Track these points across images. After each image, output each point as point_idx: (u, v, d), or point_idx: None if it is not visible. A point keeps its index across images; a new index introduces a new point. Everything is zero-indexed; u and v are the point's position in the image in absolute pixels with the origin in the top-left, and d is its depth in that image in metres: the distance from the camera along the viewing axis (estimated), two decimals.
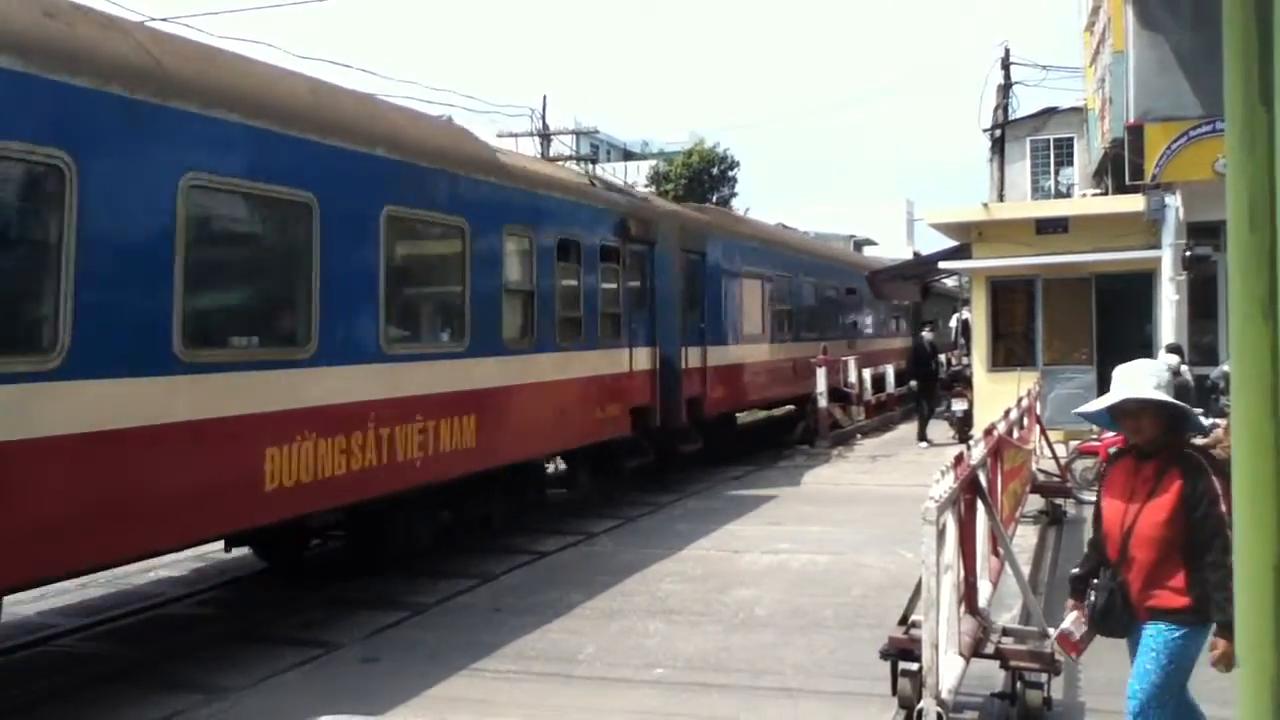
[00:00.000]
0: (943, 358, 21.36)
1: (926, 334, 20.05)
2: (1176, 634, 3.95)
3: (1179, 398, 10.86)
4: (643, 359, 13.02)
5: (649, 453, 13.39)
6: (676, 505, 13.01)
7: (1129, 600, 4.06)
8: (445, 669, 6.74)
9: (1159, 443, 4.02)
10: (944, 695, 4.58)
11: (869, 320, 26.68)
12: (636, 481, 13.86)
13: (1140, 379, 4.01)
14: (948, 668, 4.81)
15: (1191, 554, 3.92)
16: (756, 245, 18.58)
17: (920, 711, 4.54)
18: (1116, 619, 4.11)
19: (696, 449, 14.64)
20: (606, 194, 12.92)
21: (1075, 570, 4.58)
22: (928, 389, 19.03)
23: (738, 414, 19.39)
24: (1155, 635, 3.98)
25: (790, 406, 20.61)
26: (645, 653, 7.08)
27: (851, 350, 22.35)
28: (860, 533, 10.75)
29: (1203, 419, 10.49)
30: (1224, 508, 3.84)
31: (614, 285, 12.60)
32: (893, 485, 13.98)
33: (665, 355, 13.61)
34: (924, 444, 18.20)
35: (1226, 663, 3.82)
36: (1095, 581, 4.30)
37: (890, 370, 24.15)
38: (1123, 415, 4.06)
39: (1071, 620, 4.45)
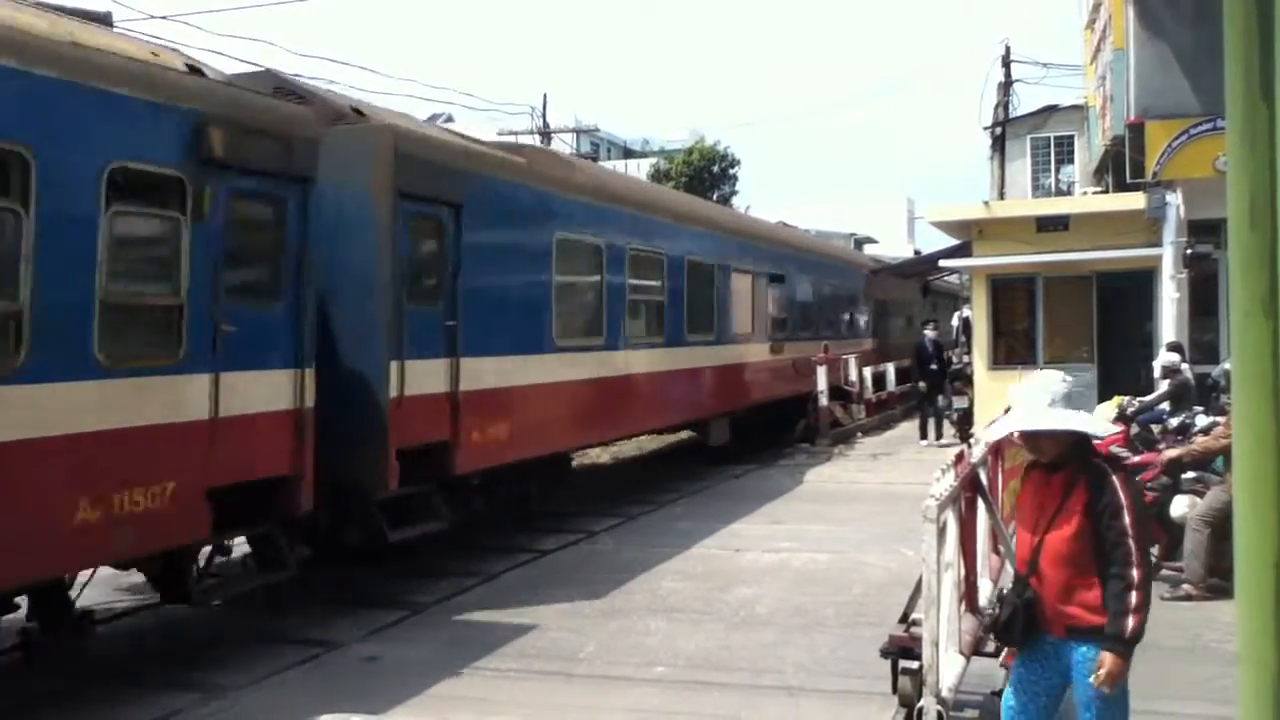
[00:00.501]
0: (949, 355, 20.83)
1: (929, 332, 19.44)
2: (1092, 653, 3.76)
3: (1180, 396, 10.96)
4: (264, 391, 7.04)
5: (284, 562, 7.40)
6: (677, 503, 13.01)
7: (1037, 615, 3.87)
8: (446, 668, 6.74)
9: (1065, 456, 3.86)
10: (944, 694, 4.59)
11: (839, 318, 23.72)
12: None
13: (1035, 402, 3.84)
14: (948, 666, 4.81)
15: (1102, 568, 3.77)
16: (592, 204, 12.11)
17: (920, 710, 4.55)
18: (1017, 632, 3.91)
19: (437, 529, 8.93)
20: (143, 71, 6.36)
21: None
22: (932, 389, 18.66)
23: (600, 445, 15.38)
24: (1084, 662, 3.78)
25: (686, 432, 17.03)
26: (646, 651, 7.08)
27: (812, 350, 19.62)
28: (861, 531, 10.75)
29: (1203, 416, 10.57)
30: (1127, 519, 3.71)
31: (167, 252, 6.44)
32: (894, 483, 13.98)
33: (347, 376, 8.13)
34: (924, 442, 18.20)
35: (1110, 683, 3.62)
36: (1003, 592, 4.17)
37: (887, 370, 24.12)
38: (1023, 437, 3.92)
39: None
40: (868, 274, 25.49)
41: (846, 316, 23.96)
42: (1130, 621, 3.59)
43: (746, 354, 16.96)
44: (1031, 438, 3.87)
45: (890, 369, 24.00)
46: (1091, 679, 3.65)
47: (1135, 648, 3.64)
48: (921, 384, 18.89)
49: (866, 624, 7.32)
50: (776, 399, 18.41)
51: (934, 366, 18.68)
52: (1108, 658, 3.63)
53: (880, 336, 26.68)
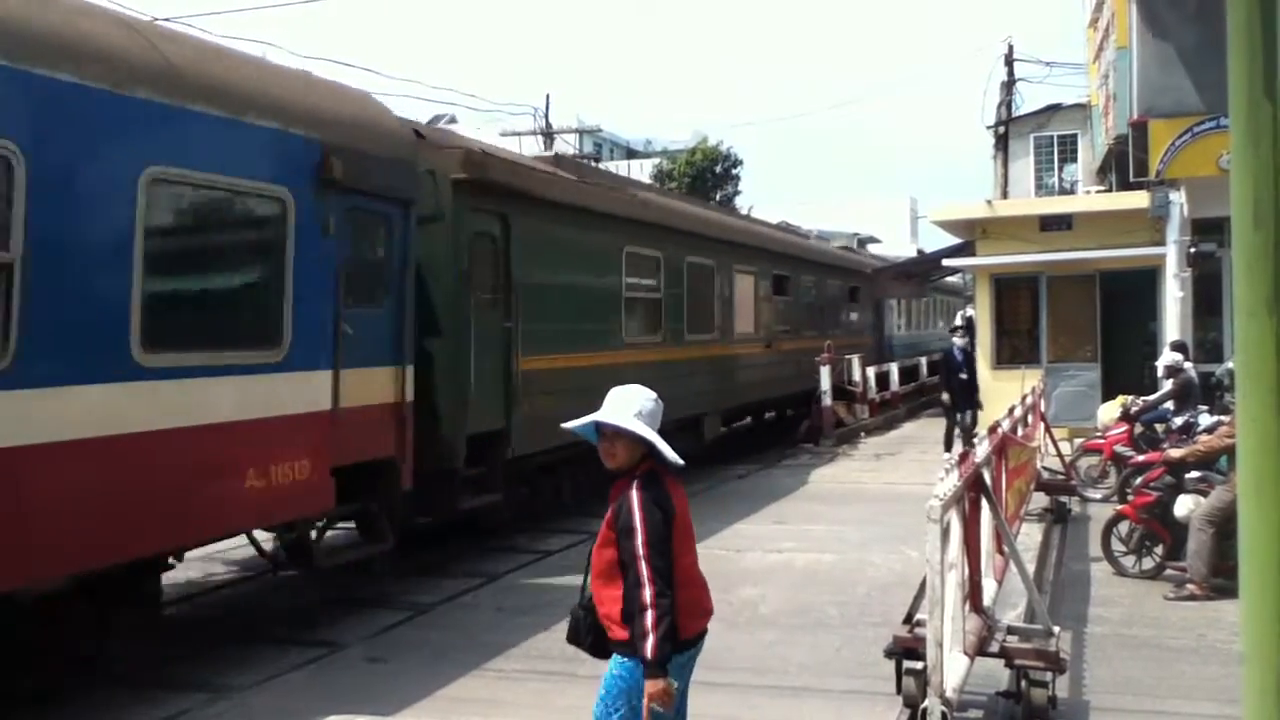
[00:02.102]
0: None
1: (958, 340, 16.76)
2: (617, 667, 3.73)
3: (1184, 395, 10.99)
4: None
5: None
6: None
7: (592, 624, 3.85)
8: (451, 669, 6.74)
9: (625, 469, 3.81)
10: (949, 694, 4.58)
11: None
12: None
13: (624, 406, 3.80)
14: (952, 666, 4.81)
15: (625, 583, 3.70)
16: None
17: (925, 710, 4.54)
18: (580, 638, 3.89)
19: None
20: None
21: None
22: (960, 400, 16.24)
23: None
24: (610, 666, 3.78)
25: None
26: None
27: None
28: (865, 531, 10.74)
29: (1207, 416, 10.56)
30: (639, 539, 3.62)
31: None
32: (897, 483, 13.97)
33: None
34: (949, 456, 17.66)
35: (652, 702, 3.54)
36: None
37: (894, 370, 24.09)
38: (602, 436, 3.84)
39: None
40: (870, 273, 25.48)
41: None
42: (646, 644, 3.55)
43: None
44: (610, 439, 3.81)
45: (894, 368, 23.99)
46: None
47: (665, 666, 3.56)
48: (945, 395, 16.81)
49: (870, 624, 7.32)
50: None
51: (964, 376, 16.32)
52: (646, 683, 3.58)
53: (878, 335, 26.54)
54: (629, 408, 3.78)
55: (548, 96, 36.93)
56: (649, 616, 3.56)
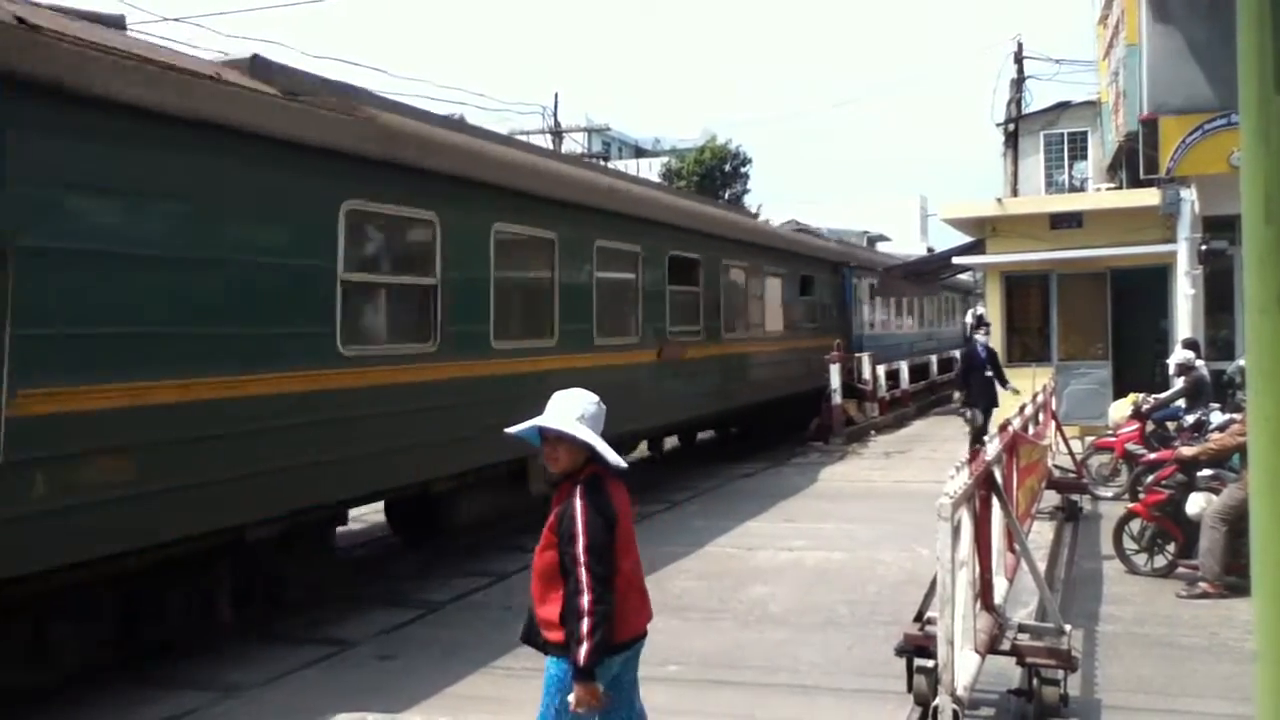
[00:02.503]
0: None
1: (981, 337, 15.52)
2: (554, 667, 3.81)
3: (1195, 393, 10.96)
4: None
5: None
6: (691, 501, 13.01)
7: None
8: (461, 667, 6.75)
9: (569, 473, 3.87)
10: (960, 692, 4.58)
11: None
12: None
13: (566, 410, 3.84)
14: (963, 664, 4.80)
15: (565, 587, 3.78)
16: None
17: (936, 708, 4.54)
18: (533, 637, 3.95)
19: None
20: None
21: None
22: (976, 397, 14.94)
23: None
24: (547, 665, 3.85)
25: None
26: (658, 649, 7.06)
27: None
28: (875, 529, 10.73)
29: (1218, 413, 10.52)
30: (580, 544, 3.67)
31: None
32: (907, 482, 13.95)
33: None
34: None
35: (578, 706, 3.64)
36: None
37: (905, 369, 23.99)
38: (545, 440, 3.89)
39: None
40: (881, 272, 25.38)
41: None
42: (581, 650, 3.61)
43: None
44: (553, 443, 3.85)
45: (904, 366, 23.93)
46: (570, 697, 3.68)
47: (594, 673, 3.64)
48: (958, 394, 16.35)
49: (880, 622, 7.31)
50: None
51: (988, 373, 14.97)
52: (573, 687, 3.65)
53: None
54: (571, 412, 3.85)
55: (556, 95, 36.92)
56: (585, 624, 3.62)
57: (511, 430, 3.94)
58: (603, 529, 3.71)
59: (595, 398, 3.93)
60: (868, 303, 24.65)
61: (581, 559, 3.67)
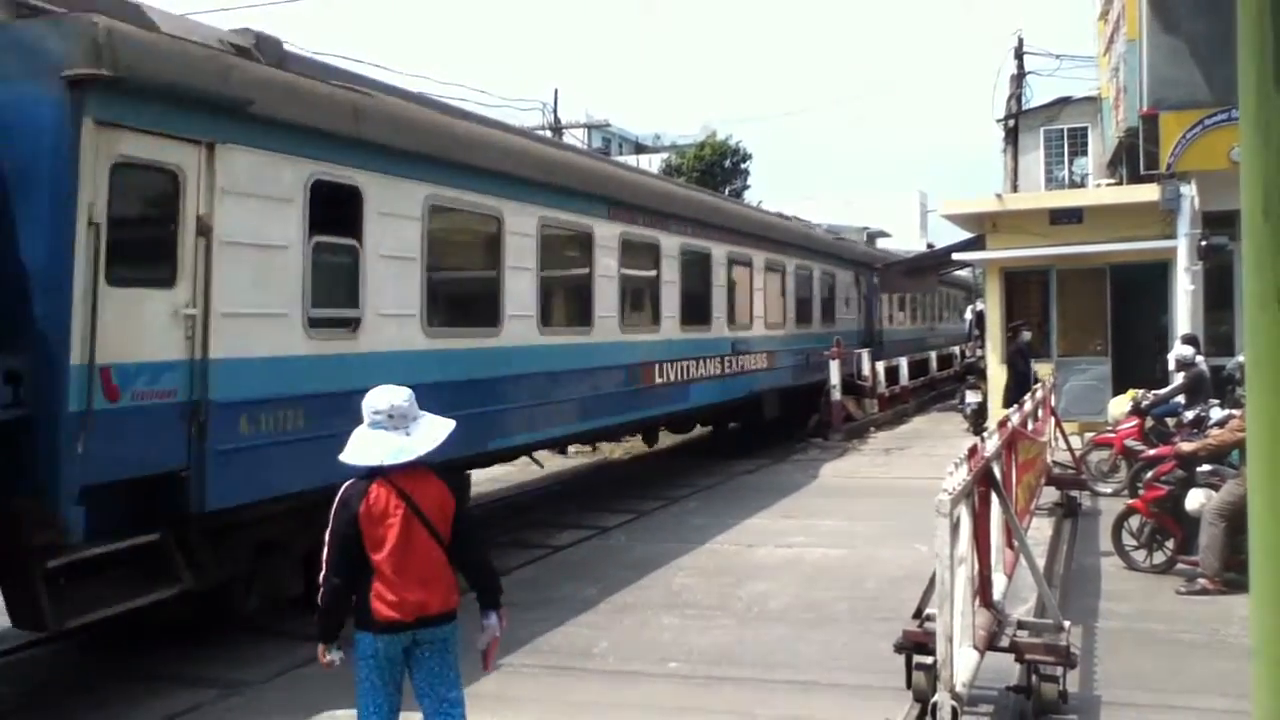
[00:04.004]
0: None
1: (1027, 334, 15.29)
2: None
3: (1195, 388, 10.96)
4: None
5: None
6: (690, 499, 13.01)
7: None
8: (462, 663, 6.74)
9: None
10: (959, 689, 4.57)
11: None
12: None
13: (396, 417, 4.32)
14: (962, 661, 4.79)
15: None
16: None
17: (935, 705, 4.52)
18: None
19: None
20: None
21: None
22: (1016, 395, 13.94)
23: None
24: None
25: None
26: (659, 646, 7.09)
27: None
28: (875, 526, 10.73)
29: (1218, 409, 10.51)
30: (328, 531, 4.24)
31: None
32: (907, 478, 13.95)
33: None
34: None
35: (321, 662, 4.36)
36: None
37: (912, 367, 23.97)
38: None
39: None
40: (880, 268, 25.36)
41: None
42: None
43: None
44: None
45: (903, 363, 23.92)
46: None
47: (325, 640, 4.34)
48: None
49: (880, 619, 7.31)
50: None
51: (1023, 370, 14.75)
52: None
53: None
54: (362, 425, 4.32)
55: (556, 91, 36.84)
56: (319, 597, 4.32)
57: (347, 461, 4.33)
58: (344, 521, 4.18)
59: (408, 393, 4.34)
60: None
61: (326, 540, 4.26)
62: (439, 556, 4.27)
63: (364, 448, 4.23)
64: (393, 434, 4.23)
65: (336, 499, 4.23)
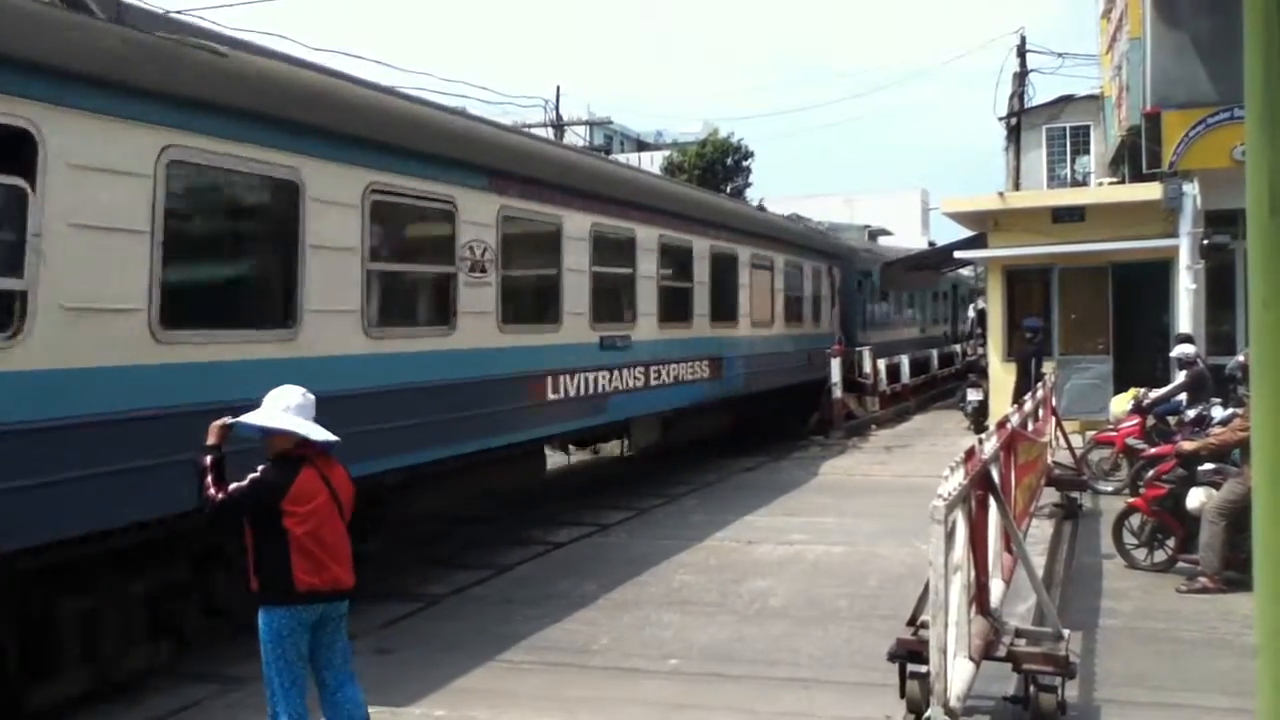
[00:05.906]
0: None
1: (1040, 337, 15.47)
2: (260, 617, 4.62)
3: (1197, 387, 10.98)
4: None
5: None
6: (690, 496, 13.01)
7: None
8: (461, 660, 6.75)
9: (281, 452, 4.68)
10: (953, 703, 4.40)
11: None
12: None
13: (275, 404, 4.67)
14: (957, 673, 4.64)
15: None
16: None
17: (928, 719, 4.38)
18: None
19: None
20: None
21: None
22: (1023, 389, 13.76)
23: None
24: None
25: None
26: (659, 644, 7.09)
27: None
28: (875, 524, 10.72)
29: (1220, 408, 10.50)
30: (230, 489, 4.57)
31: None
32: (908, 476, 13.94)
33: None
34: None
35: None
36: None
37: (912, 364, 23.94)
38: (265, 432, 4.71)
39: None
40: (881, 266, 25.33)
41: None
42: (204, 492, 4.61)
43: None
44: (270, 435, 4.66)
45: (905, 360, 23.90)
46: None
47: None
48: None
49: (880, 616, 7.31)
50: None
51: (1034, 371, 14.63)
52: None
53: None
54: (278, 406, 4.66)
55: (558, 88, 36.86)
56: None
57: (231, 420, 4.66)
58: (262, 489, 4.50)
59: (301, 389, 4.71)
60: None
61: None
62: (346, 536, 4.72)
63: (297, 423, 4.63)
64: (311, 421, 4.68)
65: (260, 474, 4.54)
